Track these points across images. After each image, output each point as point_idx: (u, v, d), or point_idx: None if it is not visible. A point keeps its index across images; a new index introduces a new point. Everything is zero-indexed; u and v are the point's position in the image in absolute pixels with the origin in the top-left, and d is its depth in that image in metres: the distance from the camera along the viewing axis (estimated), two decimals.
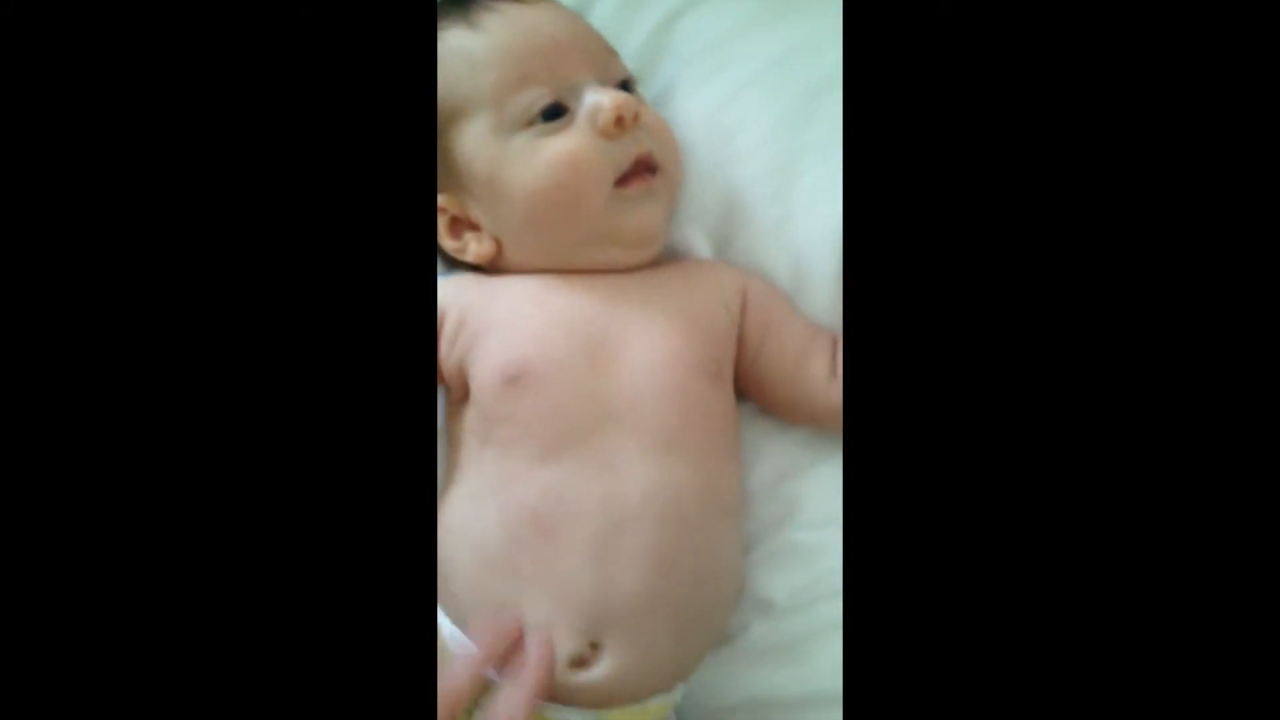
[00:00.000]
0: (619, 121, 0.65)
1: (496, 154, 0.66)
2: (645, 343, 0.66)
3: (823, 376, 0.69)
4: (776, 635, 0.71)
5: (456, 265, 0.72)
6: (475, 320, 0.67)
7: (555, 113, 0.66)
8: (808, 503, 0.72)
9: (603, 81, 0.68)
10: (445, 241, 0.70)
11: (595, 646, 0.61)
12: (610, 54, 0.71)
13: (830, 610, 0.70)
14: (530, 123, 0.66)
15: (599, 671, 0.61)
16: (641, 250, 0.70)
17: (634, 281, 0.69)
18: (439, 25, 0.68)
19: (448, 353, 0.67)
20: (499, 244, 0.69)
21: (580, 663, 0.61)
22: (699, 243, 0.75)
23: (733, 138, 0.73)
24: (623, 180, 0.67)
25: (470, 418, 0.66)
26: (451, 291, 0.69)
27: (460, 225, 0.69)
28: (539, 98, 0.65)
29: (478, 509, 0.64)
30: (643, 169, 0.67)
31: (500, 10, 0.68)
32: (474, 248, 0.69)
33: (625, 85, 0.70)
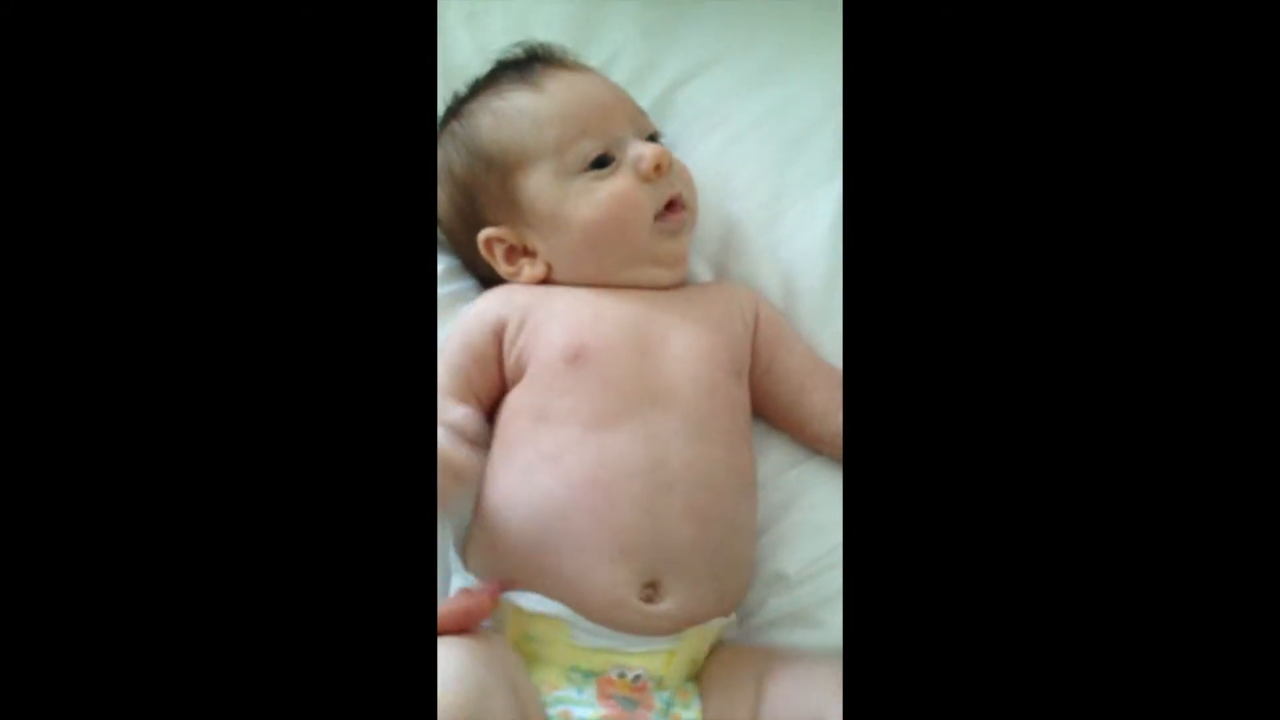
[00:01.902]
0: (658, 169, 0.79)
1: (558, 194, 0.79)
2: (681, 341, 0.78)
3: (820, 408, 0.80)
4: (791, 605, 0.79)
5: (490, 284, 0.83)
6: (535, 317, 0.78)
7: (605, 161, 0.79)
8: (810, 489, 0.82)
9: (639, 135, 0.82)
10: (501, 266, 0.82)
11: (654, 585, 0.70)
12: (641, 113, 0.85)
13: (838, 579, 0.78)
14: (585, 169, 0.79)
15: (666, 605, 0.70)
16: (674, 270, 0.83)
17: (665, 296, 0.82)
18: (500, 86, 0.82)
19: (509, 349, 0.77)
20: (550, 268, 0.81)
21: (647, 599, 0.70)
22: (700, 268, 0.88)
23: (728, 180, 0.88)
24: (660, 215, 0.80)
25: (522, 400, 0.76)
26: (504, 298, 0.80)
27: (515, 253, 0.82)
28: (593, 149, 0.79)
29: (530, 478, 0.73)
30: (676, 206, 0.81)
31: (557, 76, 0.82)
32: (528, 271, 0.81)
33: (653, 138, 0.84)
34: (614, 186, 0.79)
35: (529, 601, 0.69)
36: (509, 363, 0.77)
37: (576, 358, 0.74)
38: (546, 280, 0.81)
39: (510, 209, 0.80)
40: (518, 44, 0.87)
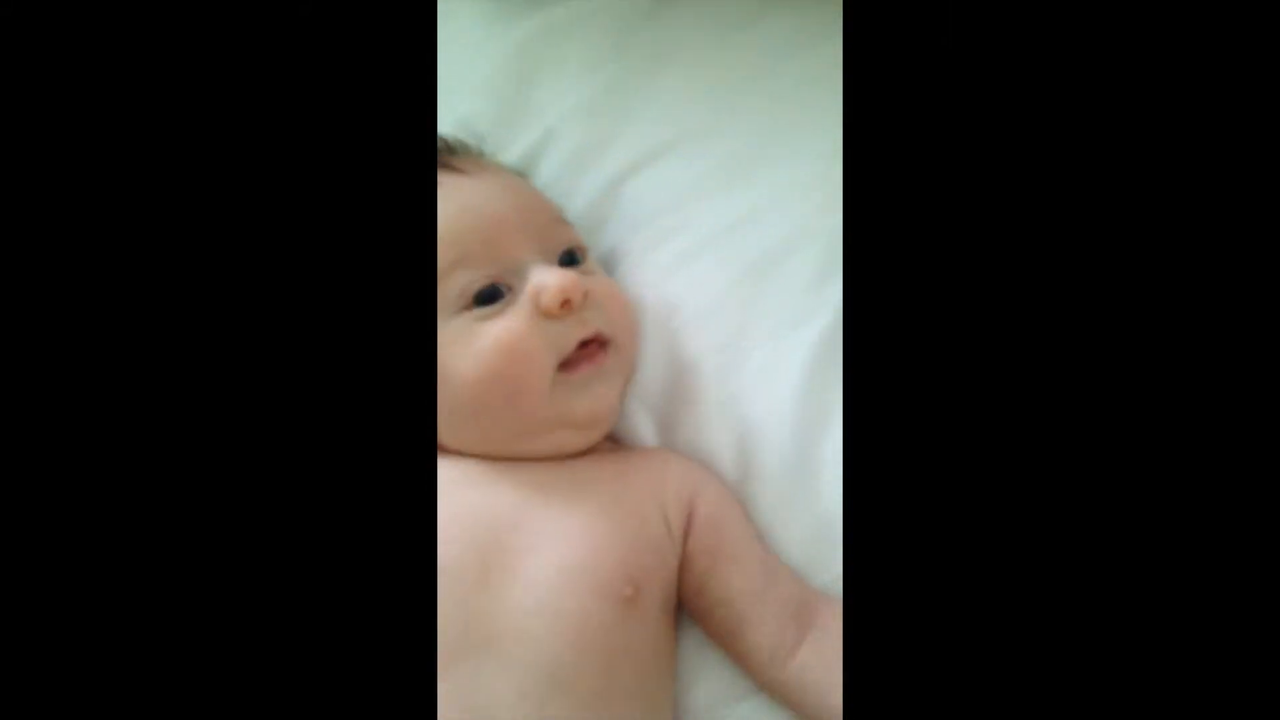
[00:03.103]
0: (565, 305, 0.60)
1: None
2: (549, 554, 0.57)
3: (769, 646, 0.59)
4: None
5: None
6: None
7: (493, 295, 0.60)
8: None
9: (547, 256, 0.63)
10: None
11: None
12: (556, 222, 0.66)
13: None
14: (466, 307, 0.60)
15: None
16: (592, 431, 0.64)
17: (566, 472, 0.62)
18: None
19: None
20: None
21: None
22: (642, 420, 0.68)
23: (678, 310, 0.67)
24: (569, 364, 0.61)
25: None
26: None
27: None
28: (474, 281, 0.60)
29: None
30: (592, 349, 0.62)
31: (439, 185, 0.63)
32: None
33: (572, 255, 0.64)
34: (500, 329, 0.59)
35: None
36: None
37: None
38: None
39: None
40: None
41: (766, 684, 0.60)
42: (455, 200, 0.62)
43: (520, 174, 0.70)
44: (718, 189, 0.68)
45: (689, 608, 0.62)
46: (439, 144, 0.66)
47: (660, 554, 0.60)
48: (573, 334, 0.61)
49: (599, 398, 0.62)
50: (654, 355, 0.67)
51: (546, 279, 0.60)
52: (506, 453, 0.61)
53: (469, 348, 0.59)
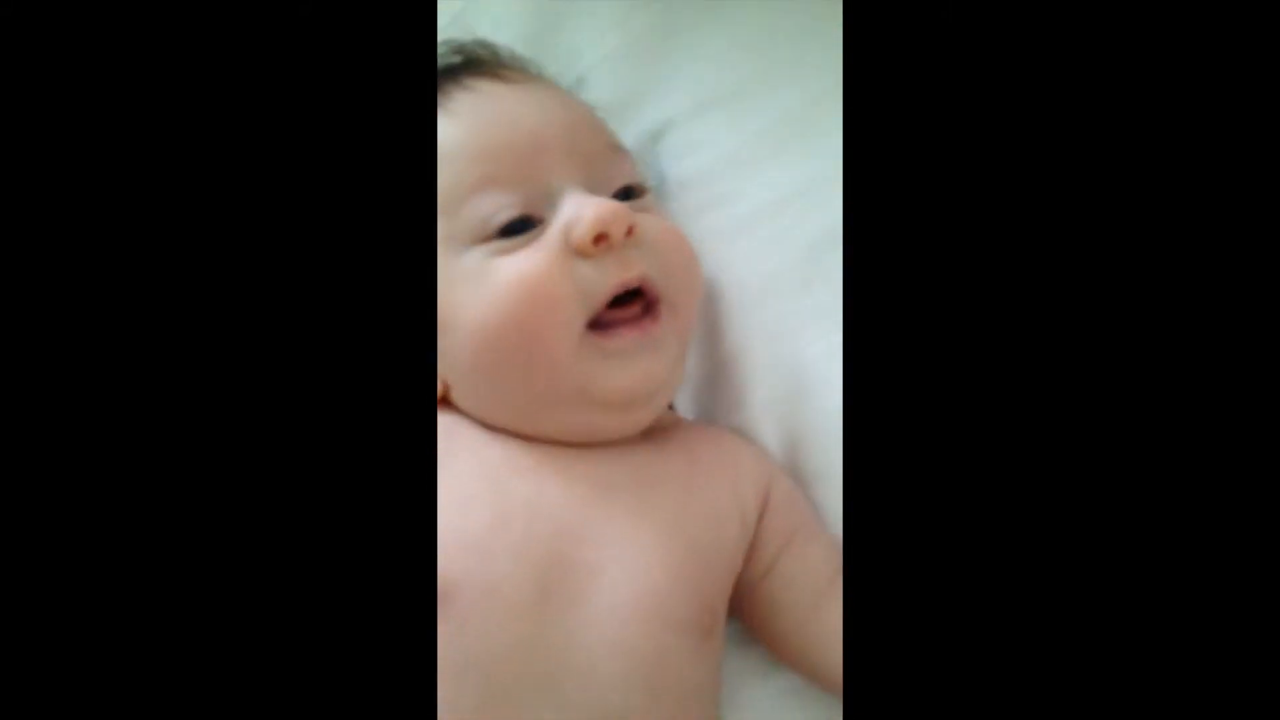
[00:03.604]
0: (601, 240, 0.49)
1: (444, 274, 0.50)
2: (621, 578, 0.48)
3: (832, 631, 0.52)
4: None
5: None
6: None
7: (520, 227, 0.50)
8: None
9: (595, 188, 0.52)
10: None
11: None
12: (611, 150, 0.55)
13: None
14: (490, 236, 0.50)
15: None
16: (632, 415, 0.53)
17: (627, 464, 0.52)
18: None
19: None
20: (446, 385, 0.53)
21: None
22: (683, 409, 0.61)
23: (724, 292, 0.59)
24: (605, 325, 0.50)
25: None
26: None
27: None
28: (502, 208, 0.50)
29: None
30: (636, 312, 0.51)
31: (476, 89, 0.53)
32: None
33: (629, 192, 0.54)
34: (518, 265, 0.49)
35: None
36: None
37: (443, 601, 0.45)
38: (446, 402, 0.54)
39: None
40: (448, 42, 0.58)
41: (827, 672, 0.53)
42: (492, 109, 0.52)
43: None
44: (770, 155, 0.59)
45: (743, 599, 0.55)
46: (499, 52, 0.57)
47: (734, 561, 0.53)
48: (610, 276, 0.50)
49: (640, 373, 0.51)
50: (696, 340, 0.59)
51: (583, 207, 0.49)
52: (531, 427, 0.52)
53: (484, 286, 0.49)
